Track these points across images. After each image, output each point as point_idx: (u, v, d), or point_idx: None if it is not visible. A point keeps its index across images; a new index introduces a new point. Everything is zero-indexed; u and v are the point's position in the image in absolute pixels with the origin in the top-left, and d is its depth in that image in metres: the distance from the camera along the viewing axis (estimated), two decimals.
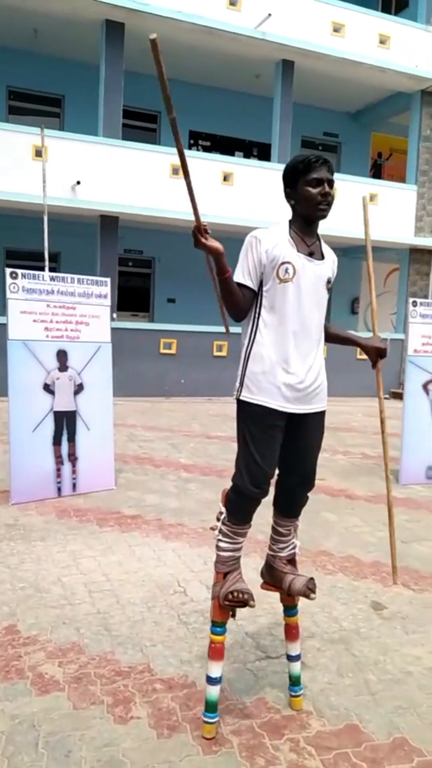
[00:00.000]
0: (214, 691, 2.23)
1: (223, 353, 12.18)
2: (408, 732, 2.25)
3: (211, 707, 2.22)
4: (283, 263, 2.17)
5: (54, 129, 12.20)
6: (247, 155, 15.38)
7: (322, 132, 16.43)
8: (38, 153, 10.64)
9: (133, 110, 13.63)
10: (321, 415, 2.34)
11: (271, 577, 2.43)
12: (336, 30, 13.23)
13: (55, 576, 3.50)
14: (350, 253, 15.61)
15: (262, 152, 15.21)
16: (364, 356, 12.34)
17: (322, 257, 2.30)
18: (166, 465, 6.32)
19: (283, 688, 2.47)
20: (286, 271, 2.17)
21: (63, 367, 5.09)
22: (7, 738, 2.13)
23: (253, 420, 2.21)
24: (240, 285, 2.20)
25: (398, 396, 13.13)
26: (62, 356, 5.08)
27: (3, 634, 2.83)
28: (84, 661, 2.64)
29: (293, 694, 2.39)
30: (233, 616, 2.31)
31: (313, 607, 3.20)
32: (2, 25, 11.88)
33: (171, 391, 11.83)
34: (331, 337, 2.51)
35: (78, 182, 11.23)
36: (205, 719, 2.21)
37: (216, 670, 2.24)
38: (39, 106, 13.72)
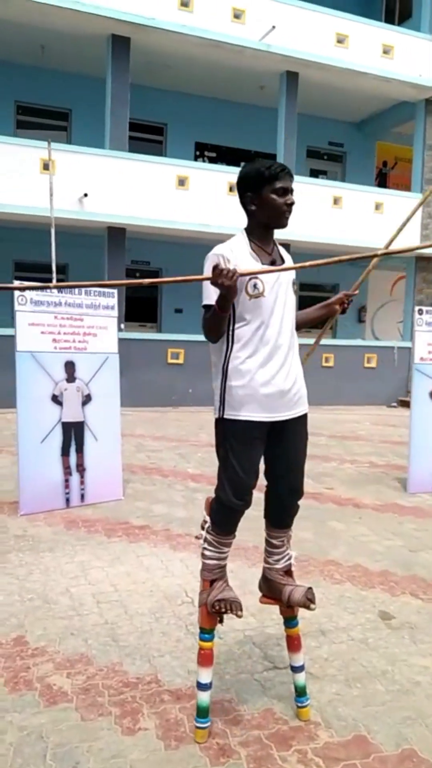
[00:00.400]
0: (204, 697, 2.25)
1: None
2: (416, 743, 2.24)
3: (202, 713, 2.24)
4: (250, 279, 2.16)
5: (61, 142, 12.34)
6: None
7: (327, 142, 16.50)
8: (46, 166, 10.76)
9: (140, 123, 13.76)
10: (303, 418, 2.33)
11: (269, 589, 2.42)
12: (340, 41, 13.32)
13: (64, 587, 3.52)
14: (357, 262, 15.61)
15: None
16: (372, 365, 12.33)
17: (283, 261, 2.31)
18: (174, 475, 6.33)
19: (290, 698, 2.46)
20: (255, 286, 2.16)
21: (71, 378, 5.12)
22: (15, 749, 2.14)
23: (236, 435, 2.20)
24: (212, 307, 2.15)
25: (406, 404, 13.09)
26: (70, 367, 5.12)
27: (11, 646, 2.85)
28: (92, 672, 2.65)
29: (299, 705, 2.38)
30: (221, 622, 2.33)
31: (320, 617, 3.19)
32: (10, 41, 12.06)
33: (179, 401, 11.85)
34: (303, 323, 2.48)
35: (85, 194, 11.32)
36: (197, 725, 2.24)
37: (206, 676, 2.26)
38: (46, 120, 13.88)
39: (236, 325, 2.21)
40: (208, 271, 2.15)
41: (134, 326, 14.36)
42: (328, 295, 16.74)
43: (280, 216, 2.23)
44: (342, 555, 4.17)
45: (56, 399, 5.03)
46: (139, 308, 14.81)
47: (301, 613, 3.20)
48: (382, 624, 3.18)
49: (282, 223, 2.26)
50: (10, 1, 10.66)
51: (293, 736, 2.26)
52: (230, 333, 2.22)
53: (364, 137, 16.68)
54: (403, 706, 2.46)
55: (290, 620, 2.41)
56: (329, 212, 13.22)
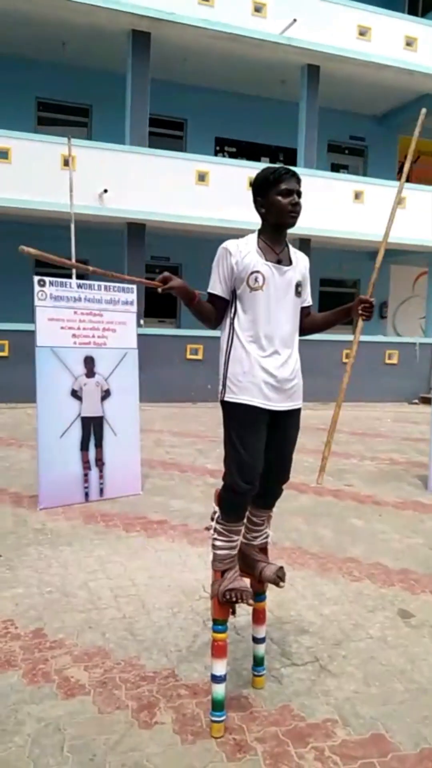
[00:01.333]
0: (219, 690, 2.26)
1: None
2: None
3: (217, 706, 2.24)
4: (252, 273, 2.30)
5: (82, 138, 12.39)
6: (273, 161, 15.38)
7: (348, 136, 16.35)
8: (66, 162, 10.80)
9: (160, 118, 13.76)
10: (297, 412, 2.45)
11: (244, 563, 2.52)
12: (362, 33, 13.18)
13: (82, 580, 3.53)
14: (374, 258, 15.46)
15: (288, 157, 15.20)
16: (393, 361, 12.18)
17: (291, 263, 2.40)
18: (193, 470, 6.33)
19: (309, 695, 2.45)
20: (256, 280, 2.30)
21: (90, 373, 5.14)
22: (33, 741, 2.16)
23: (239, 419, 2.30)
24: (212, 295, 2.37)
25: (427, 401, 12.95)
26: (89, 362, 5.14)
27: (30, 638, 2.87)
28: (109, 665, 2.65)
29: (256, 674, 2.52)
30: (233, 613, 2.36)
31: (339, 614, 3.17)
32: (31, 37, 12.12)
33: (198, 397, 11.85)
34: (320, 325, 2.56)
35: (105, 190, 11.36)
36: (213, 718, 2.24)
37: (220, 668, 2.27)
38: (67, 117, 13.95)
39: (238, 315, 2.35)
40: (216, 264, 2.36)
41: (153, 322, 14.39)
42: (349, 291, 16.67)
43: (285, 216, 2.34)
44: (361, 552, 4.13)
45: (75, 394, 5.06)
46: (159, 304, 14.83)
47: (320, 610, 3.20)
48: (402, 622, 3.14)
49: (288, 223, 2.36)
50: None
51: (310, 733, 2.25)
52: (232, 322, 2.36)
53: (386, 131, 16.49)
54: (423, 706, 2.43)
55: (259, 594, 2.52)
56: (350, 207, 13.10)
